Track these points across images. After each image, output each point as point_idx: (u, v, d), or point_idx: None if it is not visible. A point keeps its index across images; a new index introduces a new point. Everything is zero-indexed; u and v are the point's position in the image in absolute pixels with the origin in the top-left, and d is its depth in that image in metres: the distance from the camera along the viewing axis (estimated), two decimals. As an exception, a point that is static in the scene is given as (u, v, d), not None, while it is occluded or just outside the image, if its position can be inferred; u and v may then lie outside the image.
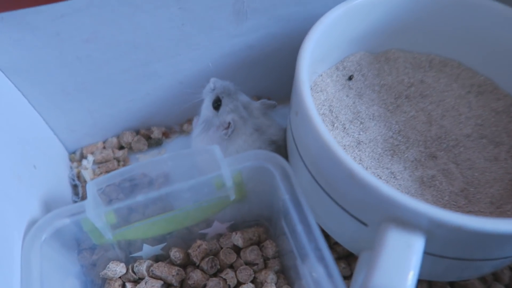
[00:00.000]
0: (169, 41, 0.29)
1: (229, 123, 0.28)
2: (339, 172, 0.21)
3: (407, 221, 0.19)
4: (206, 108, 0.30)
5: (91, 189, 0.22)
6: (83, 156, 0.34)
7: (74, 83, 0.28)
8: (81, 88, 0.29)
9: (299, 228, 0.21)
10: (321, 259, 0.20)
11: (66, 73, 0.27)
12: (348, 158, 0.21)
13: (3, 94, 0.25)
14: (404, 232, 0.19)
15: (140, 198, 0.22)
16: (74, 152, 0.34)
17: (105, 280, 0.26)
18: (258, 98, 0.37)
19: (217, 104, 0.29)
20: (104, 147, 0.35)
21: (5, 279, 0.19)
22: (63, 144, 0.33)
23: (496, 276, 0.27)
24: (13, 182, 0.22)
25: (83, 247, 0.26)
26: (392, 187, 0.20)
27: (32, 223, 0.22)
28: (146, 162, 0.23)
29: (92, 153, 0.34)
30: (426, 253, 0.22)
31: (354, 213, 0.22)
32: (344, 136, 0.28)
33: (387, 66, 0.33)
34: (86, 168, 0.33)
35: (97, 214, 0.22)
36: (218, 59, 0.32)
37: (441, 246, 0.21)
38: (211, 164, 0.23)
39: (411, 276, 0.19)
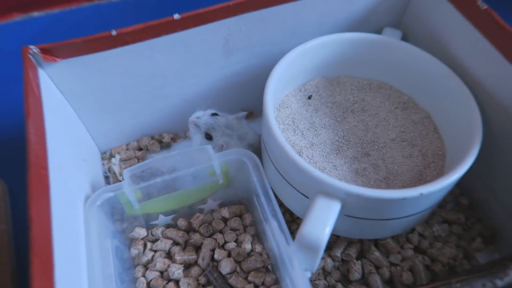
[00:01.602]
0: (177, 72, 0.40)
1: (222, 145, 0.38)
2: (288, 163, 0.32)
3: (328, 192, 0.30)
4: (201, 140, 0.38)
5: (126, 174, 0.33)
6: (111, 155, 0.45)
7: (109, 102, 0.39)
8: (114, 105, 0.40)
9: (262, 198, 0.32)
10: (275, 216, 0.31)
11: (105, 95, 0.39)
12: (295, 154, 0.32)
13: (64, 110, 0.36)
14: (326, 199, 0.30)
15: (158, 180, 0.33)
16: (105, 152, 0.46)
17: (132, 240, 0.37)
18: (243, 110, 0.48)
19: (209, 136, 0.38)
20: (127, 149, 0.46)
21: (76, 231, 0.30)
22: (97, 146, 0.44)
23: (407, 238, 0.38)
24: (76, 170, 0.33)
25: (117, 218, 0.37)
26: (320, 171, 0.31)
27: (87, 197, 0.33)
28: (162, 156, 0.34)
29: (118, 153, 0.45)
30: (348, 216, 0.33)
31: (300, 190, 0.33)
32: (301, 139, 0.39)
33: (338, 88, 0.44)
34: (114, 164, 0.44)
35: (130, 190, 0.33)
36: (212, 83, 0.43)
37: (356, 209, 0.31)
38: (205, 158, 0.35)
39: (329, 226, 0.29)
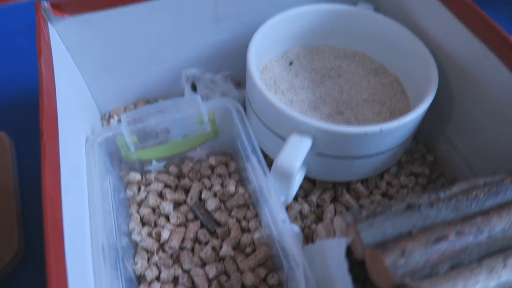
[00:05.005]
0: (171, 35, 0.44)
1: (204, 96, 0.43)
2: (266, 104, 0.36)
3: (301, 129, 0.35)
4: (188, 92, 0.46)
5: (124, 118, 0.37)
6: (110, 116, 0.49)
7: (110, 61, 0.43)
8: (114, 65, 0.44)
9: (243, 136, 0.36)
10: (254, 151, 0.35)
11: (106, 54, 0.42)
12: (272, 97, 0.36)
13: (69, 66, 0.41)
14: (299, 135, 0.34)
15: (152, 121, 0.37)
16: (104, 114, 0.50)
17: (128, 183, 0.41)
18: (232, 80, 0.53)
19: (194, 87, 0.44)
20: (124, 111, 0.50)
21: (79, 166, 0.34)
22: (98, 107, 0.49)
23: (376, 185, 0.42)
24: (81, 112, 0.37)
25: (116, 162, 0.41)
26: (294, 111, 0.35)
27: (87, 138, 0.37)
28: (155, 104, 0.38)
29: (117, 114, 0.49)
30: (320, 154, 0.37)
31: (278, 132, 0.37)
32: (281, 97, 0.43)
33: (317, 57, 0.48)
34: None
35: (127, 131, 0.37)
36: (204, 50, 0.47)
37: (325, 146, 0.35)
38: (194, 107, 0.39)
39: (300, 158, 0.34)
